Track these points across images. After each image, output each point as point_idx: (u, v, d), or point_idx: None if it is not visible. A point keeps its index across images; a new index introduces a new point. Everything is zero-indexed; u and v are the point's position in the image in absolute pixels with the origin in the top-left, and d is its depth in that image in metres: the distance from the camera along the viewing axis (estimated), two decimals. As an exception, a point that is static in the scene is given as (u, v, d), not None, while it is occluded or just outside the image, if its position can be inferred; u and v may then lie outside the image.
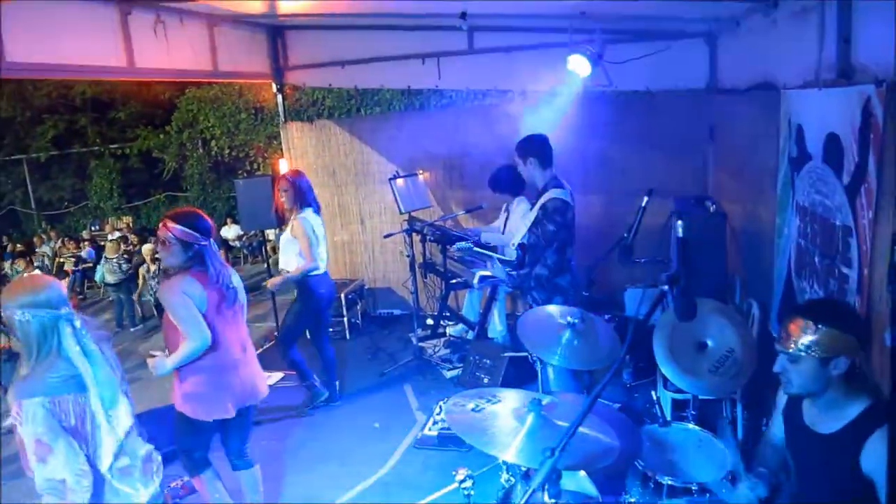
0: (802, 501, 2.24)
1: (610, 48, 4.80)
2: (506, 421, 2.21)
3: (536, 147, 4.30)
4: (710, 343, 3.17)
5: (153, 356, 3.25)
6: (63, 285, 2.49)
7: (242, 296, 3.47)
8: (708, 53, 5.59)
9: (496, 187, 5.91)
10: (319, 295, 5.09)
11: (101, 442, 2.37)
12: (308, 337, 5.44)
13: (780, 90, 3.72)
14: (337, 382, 5.47)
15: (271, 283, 5.16)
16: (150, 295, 9.78)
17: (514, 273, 4.57)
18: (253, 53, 6.59)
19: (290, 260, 5.07)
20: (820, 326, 2.00)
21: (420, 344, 6.33)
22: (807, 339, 2.01)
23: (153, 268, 9.97)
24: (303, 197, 5.01)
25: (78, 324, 2.37)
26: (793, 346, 2.04)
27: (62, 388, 2.29)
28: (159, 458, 2.68)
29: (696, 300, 2.20)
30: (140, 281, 10.30)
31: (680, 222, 2.04)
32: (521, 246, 4.37)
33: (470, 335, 6.36)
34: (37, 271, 9.39)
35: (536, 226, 4.22)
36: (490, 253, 5.23)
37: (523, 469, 2.68)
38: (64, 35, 4.33)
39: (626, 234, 3.59)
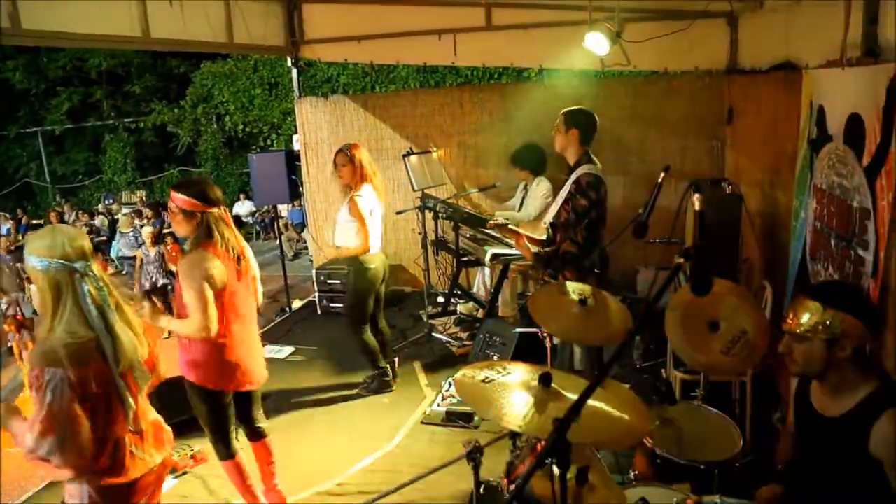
0: (812, 485, 2.24)
1: (629, 26, 4.74)
2: (515, 393, 2.21)
3: (584, 120, 4.11)
4: (722, 323, 3.15)
5: (152, 305, 3.13)
6: (87, 239, 2.33)
7: (255, 267, 3.43)
8: (729, 33, 5.52)
9: (519, 164, 5.85)
10: (374, 270, 4.87)
11: (120, 407, 2.34)
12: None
13: (802, 70, 3.67)
14: (396, 360, 5.37)
15: (328, 252, 4.71)
16: (148, 280, 8.87)
17: (543, 250, 4.42)
18: (269, 26, 6.53)
19: (349, 239, 4.78)
20: (827, 309, 1.99)
21: (430, 321, 6.34)
22: (813, 320, 2.00)
23: (153, 251, 9.01)
24: (362, 172, 4.75)
25: (94, 282, 2.23)
26: (798, 326, 2.04)
27: (86, 355, 2.17)
28: (168, 427, 2.67)
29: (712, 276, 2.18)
30: (137, 264, 9.24)
31: (697, 195, 2.02)
32: (552, 225, 4.29)
33: (480, 313, 6.37)
34: None
35: (569, 201, 4.14)
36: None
37: (532, 441, 2.69)
38: (79, 3, 4.31)
39: (640, 211, 3.56)
